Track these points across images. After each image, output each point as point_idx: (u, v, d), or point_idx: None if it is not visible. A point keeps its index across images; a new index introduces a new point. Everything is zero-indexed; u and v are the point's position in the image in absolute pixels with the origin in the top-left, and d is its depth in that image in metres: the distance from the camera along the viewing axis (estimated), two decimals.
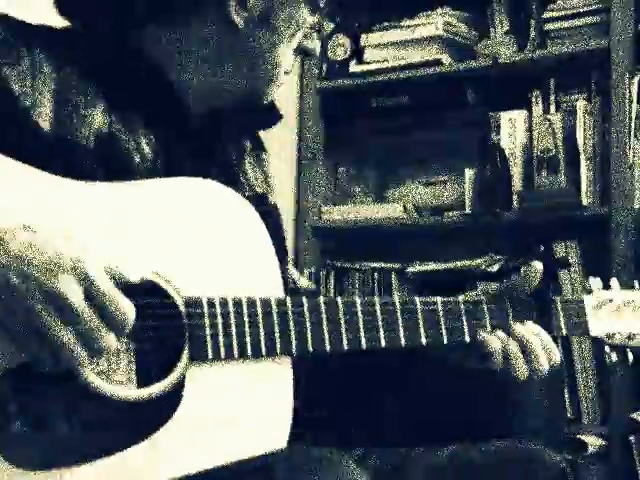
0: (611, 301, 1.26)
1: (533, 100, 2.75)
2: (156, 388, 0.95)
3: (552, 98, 2.73)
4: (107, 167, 1.04)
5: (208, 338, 0.97)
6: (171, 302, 0.97)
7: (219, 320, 0.98)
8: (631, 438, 2.45)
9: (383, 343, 1.08)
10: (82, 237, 0.92)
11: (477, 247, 2.90)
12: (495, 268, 2.81)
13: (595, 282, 1.28)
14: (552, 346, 1.18)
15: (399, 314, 1.10)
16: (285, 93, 2.65)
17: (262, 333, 1.00)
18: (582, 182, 2.59)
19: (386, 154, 3.09)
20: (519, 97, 2.77)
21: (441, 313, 1.14)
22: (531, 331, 1.18)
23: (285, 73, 1.20)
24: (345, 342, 1.06)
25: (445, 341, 1.13)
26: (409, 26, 2.91)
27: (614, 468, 2.49)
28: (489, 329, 1.16)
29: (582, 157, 2.60)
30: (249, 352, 0.99)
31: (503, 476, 1.17)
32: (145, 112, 1.11)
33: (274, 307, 1.01)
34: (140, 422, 0.94)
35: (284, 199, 2.91)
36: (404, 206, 2.95)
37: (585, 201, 2.59)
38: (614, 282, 1.29)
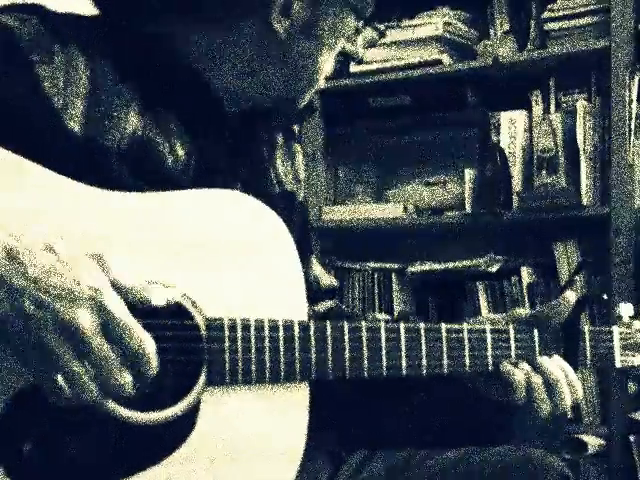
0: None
1: (533, 100, 2.75)
2: (171, 411, 0.93)
3: (552, 98, 2.73)
4: (139, 170, 1.01)
5: (227, 363, 0.95)
6: (192, 324, 0.95)
7: (239, 345, 0.96)
8: (631, 438, 2.45)
9: (405, 371, 1.05)
10: (106, 251, 0.89)
11: (477, 247, 2.90)
12: (495, 268, 2.81)
13: (626, 308, 1.23)
14: (576, 383, 1.15)
15: (423, 340, 1.07)
16: None
17: (282, 359, 0.98)
18: (582, 182, 2.59)
19: (386, 154, 3.09)
20: (519, 97, 2.77)
21: (466, 341, 1.09)
22: (557, 366, 1.14)
23: (325, 78, 1.18)
24: (366, 369, 1.03)
25: (467, 369, 1.10)
26: (409, 26, 2.91)
27: (614, 468, 2.49)
28: (514, 359, 1.13)
29: (582, 157, 2.60)
30: (267, 378, 0.97)
31: None
32: (179, 114, 1.08)
33: (296, 332, 0.99)
34: (154, 445, 0.93)
35: None
36: (404, 206, 2.95)
37: (585, 201, 2.59)
38: None
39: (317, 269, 1.31)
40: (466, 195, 2.83)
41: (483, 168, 2.78)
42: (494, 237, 2.92)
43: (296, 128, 1.26)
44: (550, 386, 1.13)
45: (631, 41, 2.53)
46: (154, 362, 0.85)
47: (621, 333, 1.20)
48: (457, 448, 1.22)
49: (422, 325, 1.07)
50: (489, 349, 1.11)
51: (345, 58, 1.19)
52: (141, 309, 0.88)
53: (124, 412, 0.91)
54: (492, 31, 2.88)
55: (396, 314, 3.00)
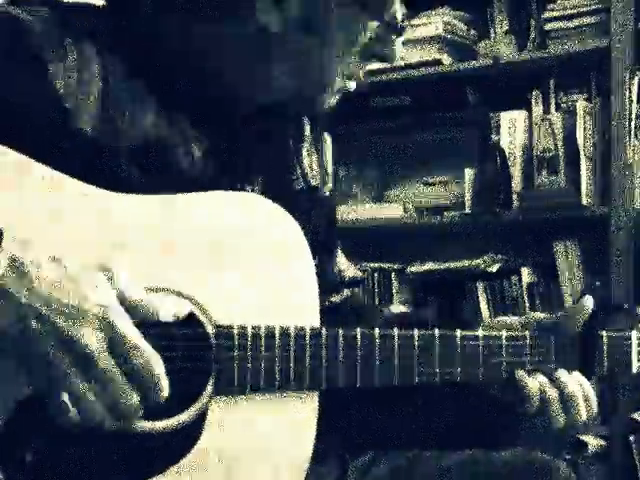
0: None
1: (533, 100, 2.75)
2: (177, 420, 0.92)
3: (552, 98, 2.73)
4: (153, 172, 0.99)
5: (235, 372, 0.93)
6: (202, 332, 0.93)
7: (249, 353, 0.94)
8: (631, 438, 2.45)
9: (417, 379, 1.03)
10: (118, 254, 0.88)
11: (477, 247, 2.90)
12: (495, 268, 2.81)
13: None
14: (592, 397, 1.12)
15: (437, 348, 1.04)
16: None
17: (292, 368, 0.96)
18: (582, 182, 2.59)
19: (386, 154, 3.09)
20: (519, 97, 2.77)
21: (481, 349, 1.07)
22: (575, 381, 1.12)
23: (356, 82, 1.11)
24: (377, 377, 1.01)
25: (481, 377, 1.07)
26: (409, 26, 2.91)
27: (614, 468, 2.49)
28: (528, 367, 1.10)
29: (582, 157, 2.60)
30: (276, 387, 0.96)
31: None
32: (195, 113, 1.04)
33: (308, 339, 0.97)
34: (160, 454, 0.91)
35: None
36: (404, 206, 2.94)
37: (585, 201, 2.59)
38: None
39: (342, 262, 1.29)
40: (466, 195, 2.83)
41: (483, 168, 2.79)
42: (494, 237, 2.92)
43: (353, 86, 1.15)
44: (565, 401, 1.10)
45: (631, 41, 2.53)
46: (163, 383, 0.84)
47: (639, 338, 1.19)
48: (462, 450, 1.21)
49: (437, 332, 1.05)
50: (504, 356, 1.08)
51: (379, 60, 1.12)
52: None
53: None
54: (492, 31, 2.89)
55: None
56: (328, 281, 1.22)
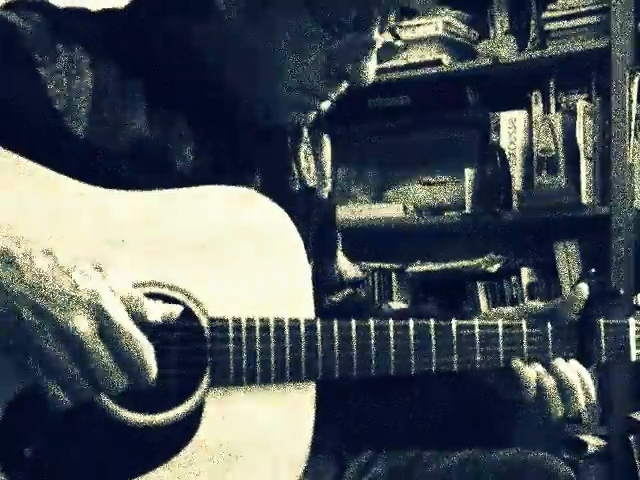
0: None
1: (533, 100, 2.75)
2: (174, 413, 0.93)
3: (552, 98, 2.73)
4: (146, 173, 0.99)
5: (231, 364, 0.94)
6: (196, 325, 0.94)
7: (244, 345, 0.94)
8: (631, 438, 2.45)
9: (413, 369, 1.04)
10: (111, 250, 0.89)
11: (477, 247, 2.90)
12: (495, 268, 2.81)
13: None
14: (591, 386, 1.12)
15: (433, 338, 1.04)
16: None
17: (288, 359, 0.97)
18: (582, 182, 2.59)
19: (386, 154, 3.09)
20: (519, 97, 2.77)
21: (477, 337, 1.07)
22: (573, 370, 1.12)
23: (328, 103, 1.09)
24: (374, 368, 1.01)
25: (478, 366, 1.07)
26: (409, 26, 2.91)
27: (614, 468, 2.49)
28: (526, 355, 1.10)
29: (582, 157, 2.60)
30: (272, 378, 0.96)
31: None
32: (187, 114, 1.05)
33: (302, 330, 0.97)
34: (157, 447, 0.92)
35: None
36: (404, 206, 2.94)
37: (585, 201, 2.59)
38: None
39: (343, 263, 1.29)
40: (466, 195, 2.83)
41: (483, 168, 2.78)
42: (494, 237, 2.92)
43: (326, 108, 1.13)
44: (564, 389, 1.10)
45: (631, 41, 2.53)
46: (152, 368, 0.85)
47: (637, 325, 1.18)
48: (462, 450, 1.21)
49: (432, 322, 1.05)
50: (501, 345, 1.09)
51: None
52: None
53: (128, 414, 0.91)
54: (492, 31, 2.88)
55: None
56: (329, 282, 1.22)
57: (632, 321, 1.17)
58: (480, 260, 2.84)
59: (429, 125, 2.96)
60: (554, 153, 2.66)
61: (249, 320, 0.95)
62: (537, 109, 2.74)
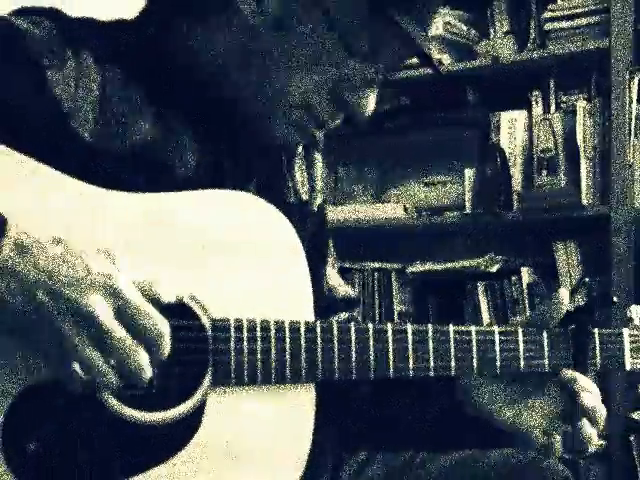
0: None
1: (533, 100, 2.75)
2: (176, 411, 0.93)
3: (552, 98, 2.73)
4: (148, 177, 1.00)
5: (232, 364, 0.95)
6: (198, 324, 0.94)
7: (245, 345, 0.95)
8: (631, 438, 2.45)
9: (412, 372, 1.04)
10: (114, 249, 0.89)
11: (477, 247, 2.91)
12: (495, 268, 2.81)
13: (636, 310, 1.23)
14: (602, 417, 1.11)
15: (430, 342, 1.05)
16: None
17: (288, 360, 0.97)
18: (582, 182, 2.59)
19: (386, 154, 3.09)
20: (519, 97, 2.77)
21: (474, 342, 1.08)
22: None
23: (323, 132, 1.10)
24: (373, 370, 1.02)
25: (475, 371, 1.09)
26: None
27: (614, 468, 2.49)
28: (522, 362, 1.11)
29: (582, 157, 2.60)
30: (273, 379, 0.97)
31: None
32: (191, 121, 1.06)
33: (302, 333, 0.98)
34: (159, 445, 0.93)
35: None
36: (404, 206, 2.95)
37: (585, 201, 2.59)
38: None
39: (333, 279, 1.29)
40: (466, 195, 2.83)
41: (483, 168, 2.79)
42: (494, 237, 2.92)
43: (321, 136, 1.16)
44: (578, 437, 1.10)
45: (631, 41, 2.54)
46: (167, 344, 0.86)
47: (631, 335, 1.19)
48: (458, 451, 1.22)
49: (430, 326, 1.06)
50: (497, 351, 1.10)
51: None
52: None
53: (129, 412, 0.92)
54: (492, 31, 2.89)
55: (396, 315, 3.01)
56: (319, 297, 1.21)
57: (626, 331, 1.19)
58: (480, 260, 2.84)
59: (429, 125, 2.97)
60: (554, 153, 2.66)
61: (250, 321, 0.96)
62: (537, 109, 2.74)
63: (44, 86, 0.97)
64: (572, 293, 1.18)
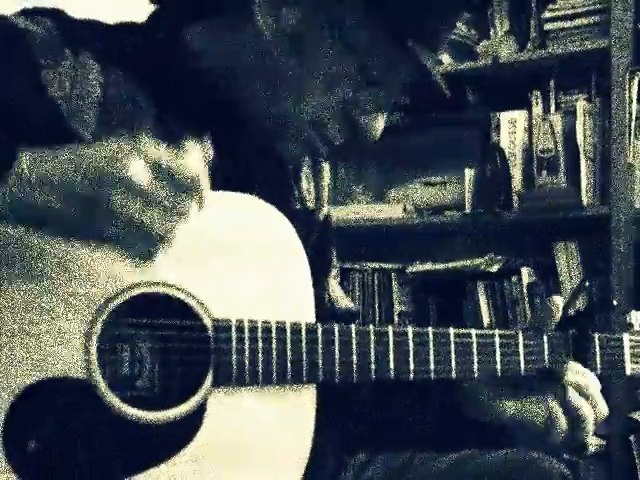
0: None
1: (533, 100, 2.75)
2: (177, 411, 0.93)
3: (552, 98, 2.73)
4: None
5: (234, 364, 0.95)
6: (200, 324, 0.95)
7: (246, 346, 0.95)
8: (631, 438, 2.45)
9: (412, 375, 1.04)
10: (111, 254, 0.89)
11: (477, 247, 2.91)
12: (495, 268, 2.81)
13: (636, 316, 1.23)
14: (602, 408, 1.12)
15: (431, 344, 1.05)
16: None
17: (289, 361, 0.97)
18: (582, 182, 2.59)
19: (386, 154, 3.09)
20: (519, 97, 2.77)
21: (475, 345, 1.08)
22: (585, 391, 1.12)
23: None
24: (374, 373, 1.02)
25: (476, 374, 1.08)
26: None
27: (614, 468, 2.49)
28: (522, 365, 1.11)
29: (582, 157, 2.60)
30: (274, 380, 0.97)
31: None
32: (196, 123, 1.04)
33: (304, 334, 0.98)
34: (159, 444, 0.93)
35: None
36: (404, 206, 2.95)
37: (585, 201, 2.59)
38: None
39: (335, 291, 1.29)
40: (466, 195, 2.83)
41: (483, 168, 2.79)
42: (494, 237, 2.92)
43: (325, 149, 1.15)
44: (573, 419, 1.10)
45: (631, 41, 2.54)
46: (205, 184, 0.86)
47: (631, 340, 1.19)
48: (458, 451, 1.22)
49: (430, 329, 1.06)
50: (498, 355, 1.10)
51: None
52: (147, 307, 0.89)
53: (131, 411, 0.92)
54: (492, 31, 2.89)
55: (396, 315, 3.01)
56: (321, 307, 1.21)
57: (626, 336, 1.19)
58: (480, 260, 2.84)
59: (429, 125, 2.97)
60: (554, 153, 2.66)
61: (251, 322, 0.96)
62: (537, 109, 2.74)
63: (40, 86, 0.97)
64: (573, 297, 1.19)
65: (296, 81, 1.04)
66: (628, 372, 1.19)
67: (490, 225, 2.82)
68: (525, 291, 2.75)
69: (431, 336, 1.06)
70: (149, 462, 0.93)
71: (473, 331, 1.08)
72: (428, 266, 2.96)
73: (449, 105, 2.90)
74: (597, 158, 2.61)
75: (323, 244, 1.25)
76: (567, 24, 2.68)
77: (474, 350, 1.08)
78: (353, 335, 1.01)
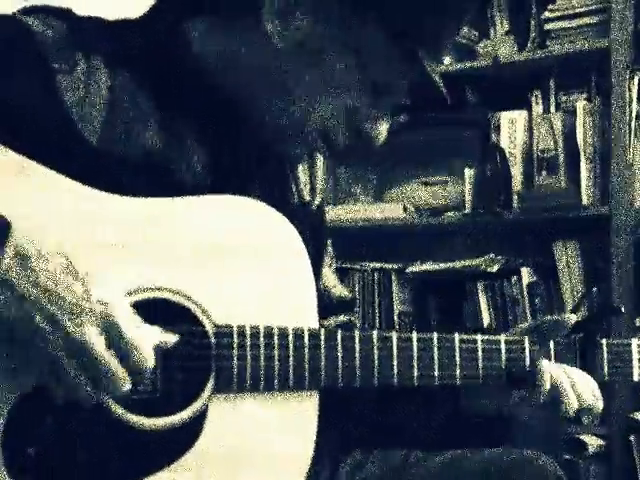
0: None
1: (533, 100, 2.75)
2: (178, 418, 0.93)
3: (552, 98, 2.73)
4: (152, 181, 0.99)
5: (235, 370, 0.95)
6: (201, 330, 0.95)
7: (248, 352, 0.95)
8: (631, 438, 2.45)
9: (416, 381, 1.04)
10: (111, 258, 0.90)
11: (477, 247, 2.90)
12: (495, 268, 2.81)
13: None
14: (584, 390, 1.13)
15: (435, 350, 1.05)
16: None
17: (291, 367, 0.97)
18: (582, 182, 2.59)
19: (386, 154, 3.09)
20: (519, 97, 2.77)
21: (480, 352, 1.08)
22: (562, 371, 1.12)
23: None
24: (377, 379, 1.02)
25: (481, 380, 1.08)
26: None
27: (614, 468, 2.49)
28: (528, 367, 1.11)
29: (582, 157, 2.60)
30: (276, 385, 0.97)
31: None
32: (199, 125, 1.06)
33: (306, 340, 0.98)
34: (160, 450, 0.93)
35: None
36: (404, 206, 2.94)
37: (585, 201, 2.59)
38: None
39: (330, 280, 1.28)
40: (466, 195, 2.83)
41: (483, 168, 2.78)
42: (494, 237, 2.92)
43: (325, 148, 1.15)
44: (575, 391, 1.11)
45: (631, 41, 2.53)
46: (148, 370, 0.88)
47: (639, 346, 1.18)
48: (453, 449, 1.21)
49: (435, 335, 1.05)
50: (503, 360, 1.09)
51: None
52: (148, 312, 0.89)
53: (132, 417, 0.92)
54: (492, 31, 2.89)
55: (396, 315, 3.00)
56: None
57: (635, 341, 1.17)
58: (480, 260, 2.84)
59: (429, 125, 2.96)
60: (554, 153, 2.66)
61: (253, 328, 0.96)
62: (537, 109, 2.74)
63: (53, 90, 0.97)
64: (580, 303, 1.18)
65: (302, 86, 1.04)
66: (636, 378, 1.18)
67: (490, 225, 2.82)
68: (525, 291, 2.75)
69: (435, 341, 1.05)
70: (150, 468, 0.92)
71: (479, 337, 1.08)
72: (428, 266, 2.95)
73: (449, 105, 2.90)
74: (597, 158, 2.61)
75: (317, 233, 1.24)
76: (567, 24, 2.67)
77: (479, 356, 1.07)
78: (356, 341, 1.01)
